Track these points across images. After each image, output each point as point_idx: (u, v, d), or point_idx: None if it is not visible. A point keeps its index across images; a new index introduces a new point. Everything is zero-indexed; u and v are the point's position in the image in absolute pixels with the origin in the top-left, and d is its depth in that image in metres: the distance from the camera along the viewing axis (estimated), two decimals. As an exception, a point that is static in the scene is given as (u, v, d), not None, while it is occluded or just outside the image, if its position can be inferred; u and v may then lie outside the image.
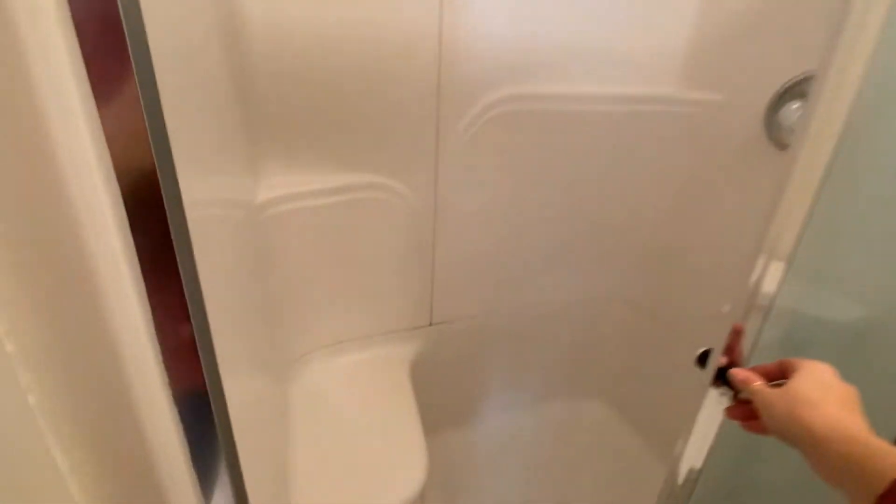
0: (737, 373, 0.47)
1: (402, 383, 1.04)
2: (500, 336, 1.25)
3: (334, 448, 0.88)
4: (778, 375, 0.45)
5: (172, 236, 0.26)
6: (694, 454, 0.54)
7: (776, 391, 0.42)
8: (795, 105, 0.88)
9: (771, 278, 0.45)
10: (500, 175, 1.04)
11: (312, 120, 0.86)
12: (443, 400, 1.27)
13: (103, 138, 0.25)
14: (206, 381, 0.32)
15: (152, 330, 0.28)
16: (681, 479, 0.54)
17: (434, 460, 0.87)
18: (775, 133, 0.91)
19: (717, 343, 0.48)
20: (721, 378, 0.49)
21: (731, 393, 0.48)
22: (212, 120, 0.53)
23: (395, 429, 0.92)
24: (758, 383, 0.45)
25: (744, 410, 0.47)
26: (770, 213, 0.42)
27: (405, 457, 0.86)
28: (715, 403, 0.49)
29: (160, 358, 0.29)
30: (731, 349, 0.49)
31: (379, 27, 0.82)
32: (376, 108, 0.88)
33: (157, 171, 0.25)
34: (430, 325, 1.15)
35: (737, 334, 0.49)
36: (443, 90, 0.90)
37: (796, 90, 0.89)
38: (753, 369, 0.47)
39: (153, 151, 0.25)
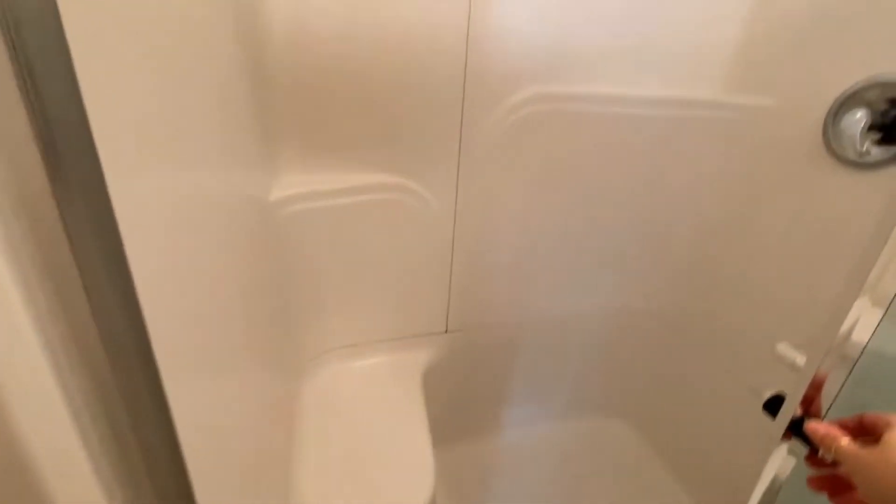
0: (817, 427, 0.38)
1: (414, 392, 0.98)
2: (520, 346, 1.18)
3: (341, 455, 0.83)
4: (859, 433, 0.36)
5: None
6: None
7: (874, 451, 0.33)
8: (859, 114, 0.78)
9: (863, 327, 0.37)
10: (525, 179, 0.96)
11: (334, 118, 0.81)
12: (458, 410, 1.21)
13: None
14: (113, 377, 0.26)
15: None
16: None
17: (447, 472, 0.81)
18: (836, 145, 0.81)
19: (788, 390, 0.39)
20: (794, 430, 0.40)
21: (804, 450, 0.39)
22: (202, 111, 0.47)
23: (404, 439, 0.87)
24: (845, 441, 0.35)
25: (831, 481, 0.38)
26: (870, 252, 0.33)
27: (411, 469, 0.81)
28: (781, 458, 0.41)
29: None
30: (808, 400, 0.40)
31: (406, 22, 0.76)
32: (400, 107, 0.83)
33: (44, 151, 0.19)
34: (446, 332, 1.08)
35: (818, 387, 0.40)
36: (468, 89, 0.83)
37: (860, 97, 0.79)
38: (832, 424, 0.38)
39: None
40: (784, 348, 0.40)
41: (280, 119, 0.78)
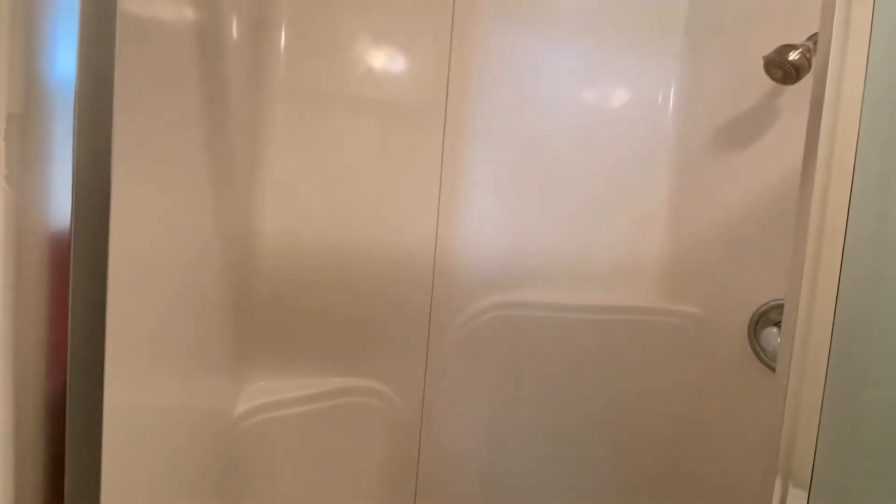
0: None
1: None
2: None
3: None
4: None
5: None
6: None
7: None
8: (774, 330, 0.88)
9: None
10: (489, 381, 0.98)
11: (311, 326, 0.87)
12: None
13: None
14: None
15: None
16: None
17: None
18: (763, 355, 0.88)
19: None
20: None
21: None
22: (180, 331, 0.50)
23: None
24: None
25: None
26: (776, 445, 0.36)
27: None
28: None
29: None
30: None
31: (385, 244, 0.88)
32: (374, 315, 0.90)
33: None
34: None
35: None
36: (435, 300, 0.92)
37: (769, 317, 0.89)
38: None
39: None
40: None
41: (256, 328, 0.83)
